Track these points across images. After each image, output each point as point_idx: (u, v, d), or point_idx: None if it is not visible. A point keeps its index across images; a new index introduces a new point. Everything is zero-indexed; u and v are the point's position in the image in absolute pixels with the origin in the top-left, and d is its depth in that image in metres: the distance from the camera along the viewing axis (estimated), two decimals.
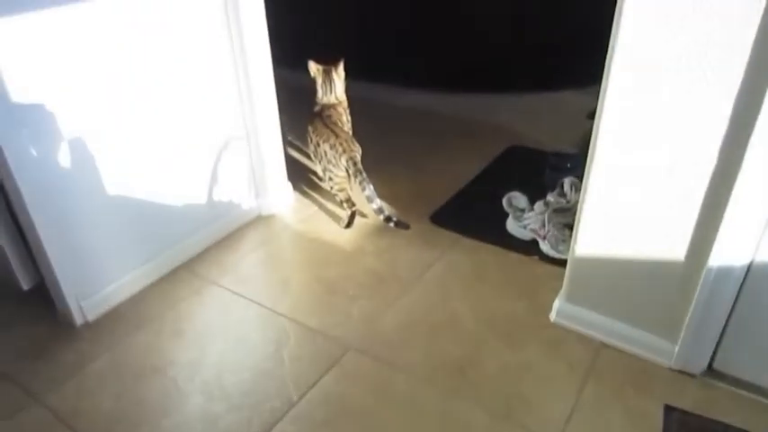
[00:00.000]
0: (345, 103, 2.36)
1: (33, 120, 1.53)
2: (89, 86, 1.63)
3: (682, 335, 1.50)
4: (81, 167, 1.67)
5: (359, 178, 2.14)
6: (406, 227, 2.21)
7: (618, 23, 1.27)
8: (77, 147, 1.64)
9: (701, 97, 1.23)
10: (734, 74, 1.18)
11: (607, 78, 1.33)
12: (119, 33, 1.65)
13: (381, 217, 2.19)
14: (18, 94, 1.48)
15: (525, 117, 3.03)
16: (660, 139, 1.32)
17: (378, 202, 2.17)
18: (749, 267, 1.35)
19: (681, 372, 1.55)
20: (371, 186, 2.14)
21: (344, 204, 2.26)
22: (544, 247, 2.03)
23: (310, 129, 2.33)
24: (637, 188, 1.41)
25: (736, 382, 1.50)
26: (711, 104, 1.23)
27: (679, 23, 1.19)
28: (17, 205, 1.60)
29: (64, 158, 1.62)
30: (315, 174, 2.42)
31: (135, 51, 1.71)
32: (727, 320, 1.44)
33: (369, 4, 3.39)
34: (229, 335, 1.75)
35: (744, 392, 1.49)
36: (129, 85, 1.72)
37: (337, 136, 2.21)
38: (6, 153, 1.49)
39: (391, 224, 2.19)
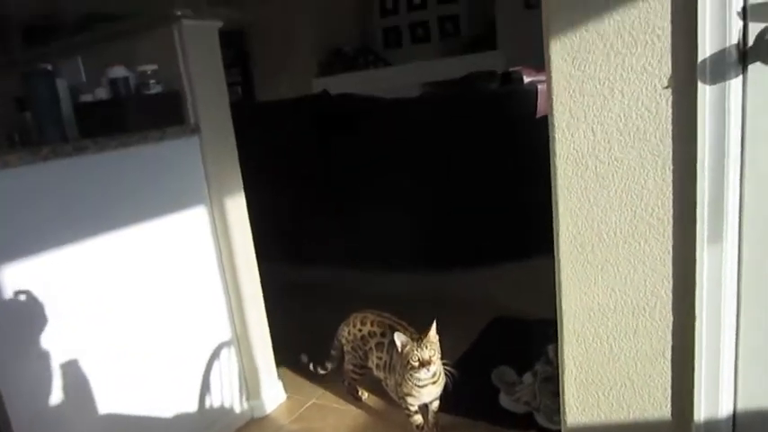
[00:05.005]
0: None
1: (23, 341, 1.58)
2: (80, 305, 1.70)
3: None
4: (73, 388, 1.69)
5: None
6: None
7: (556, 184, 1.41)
8: (69, 367, 1.68)
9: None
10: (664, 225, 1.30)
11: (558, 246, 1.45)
12: (107, 256, 1.77)
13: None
14: (8, 317, 1.54)
15: (506, 287, 3.12)
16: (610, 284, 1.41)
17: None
18: (734, 417, 1.36)
19: None
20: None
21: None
22: (539, 419, 2.00)
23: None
24: (607, 349, 1.46)
25: None
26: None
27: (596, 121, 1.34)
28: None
29: (56, 380, 1.65)
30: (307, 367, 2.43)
31: (123, 267, 1.82)
32: None
33: (345, 196, 3.63)
34: None
35: None
36: (117, 301, 1.81)
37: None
38: None
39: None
